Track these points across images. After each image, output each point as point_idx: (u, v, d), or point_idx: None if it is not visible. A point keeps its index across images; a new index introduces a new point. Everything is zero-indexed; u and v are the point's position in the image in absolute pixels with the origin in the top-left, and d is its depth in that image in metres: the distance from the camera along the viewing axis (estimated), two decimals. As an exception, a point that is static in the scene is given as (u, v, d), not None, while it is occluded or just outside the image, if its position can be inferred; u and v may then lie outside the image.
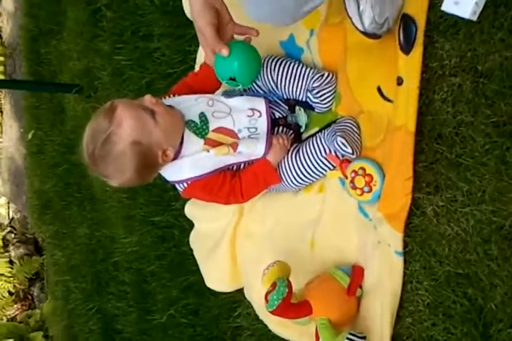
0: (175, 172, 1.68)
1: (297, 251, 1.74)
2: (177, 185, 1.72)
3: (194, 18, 1.45)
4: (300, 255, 1.73)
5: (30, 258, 3.89)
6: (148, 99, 1.59)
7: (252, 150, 1.67)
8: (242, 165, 1.71)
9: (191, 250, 2.15)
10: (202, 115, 1.66)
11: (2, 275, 3.96)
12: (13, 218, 4.20)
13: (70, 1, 2.89)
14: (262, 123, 1.69)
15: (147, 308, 2.46)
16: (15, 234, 4.11)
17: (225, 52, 1.47)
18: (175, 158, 1.64)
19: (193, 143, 1.64)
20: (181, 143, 1.63)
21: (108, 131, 1.53)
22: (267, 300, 1.55)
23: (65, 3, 2.94)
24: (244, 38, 1.57)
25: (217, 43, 1.46)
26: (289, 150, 1.70)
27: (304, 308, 1.57)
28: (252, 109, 1.69)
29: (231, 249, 1.95)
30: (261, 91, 1.77)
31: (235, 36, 1.58)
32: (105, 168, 1.59)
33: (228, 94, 1.71)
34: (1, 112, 4.09)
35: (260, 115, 1.69)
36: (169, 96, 1.73)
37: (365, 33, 1.46)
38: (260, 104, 1.70)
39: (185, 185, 1.69)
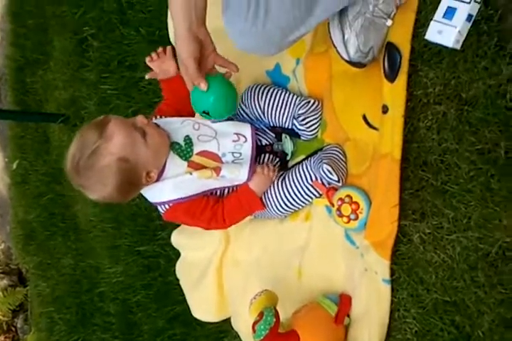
0: (157, 193, 1.68)
1: (284, 280, 1.74)
2: (159, 207, 1.72)
3: (177, 48, 1.46)
4: (287, 284, 1.73)
5: (14, 289, 3.83)
6: (140, 120, 1.60)
7: (235, 175, 1.67)
8: (225, 191, 1.72)
9: (177, 280, 2.14)
10: (187, 138, 1.67)
11: (-15, 307, 3.90)
12: (-4, 249, 4.16)
13: (56, 30, 2.90)
14: (247, 149, 1.70)
15: (133, 339, 2.43)
16: (-2, 265, 4.06)
17: (203, 86, 1.47)
18: (157, 180, 1.65)
19: (176, 165, 1.65)
20: (164, 164, 1.64)
21: (97, 144, 1.54)
22: (254, 330, 1.54)
23: (52, 32, 2.96)
24: (224, 72, 1.57)
25: (197, 77, 1.46)
26: (275, 178, 1.70)
27: (291, 338, 1.56)
28: (238, 134, 1.70)
29: (218, 278, 1.94)
30: (248, 119, 1.78)
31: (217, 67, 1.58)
32: (87, 180, 1.58)
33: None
34: (-14, 142, 4.07)
35: (245, 140, 1.70)
36: (155, 117, 1.75)
37: (350, 62, 1.49)
38: (246, 130, 1.71)
39: (167, 206, 1.69)
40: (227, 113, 1.59)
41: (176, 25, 1.43)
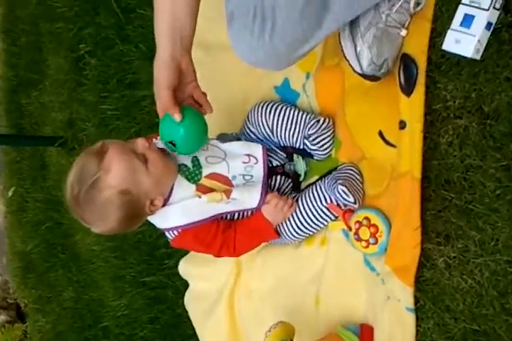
0: (164, 219, 1.68)
1: (301, 310, 1.74)
2: (167, 233, 1.72)
3: (155, 74, 1.47)
4: (304, 314, 1.73)
5: (12, 325, 3.82)
6: (140, 144, 1.59)
7: (246, 198, 1.67)
8: (236, 215, 1.72)
9: (186, 312, 2.13)
10: (195, 159, 1.67)
11: (-18, 345, 3.90)
12: (-7, 282, 4.17)
13: (51, 48, 2.93)
14: (258, 171, 1.70)
15: (141, 378, 2.43)
16: (-5, 300, 4.07)
17: (177, 117, 1.49)
18: (164, 205, 1.64)
19: (184, 188, 1.65)
20: (171, 188, 1.64)
21: (96, 176, 1.53)
22: (270, 365, 1.54)
23: (46, 51, 2.98)
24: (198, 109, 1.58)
25: (172, 107, 1.48)
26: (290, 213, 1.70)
27: (310, 373, 1.56)
28: (249, 155, 1.71)
29: (230, 309, 1.94)
30: (255, 139, 1.79)
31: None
32: (88, 214, 1.59)
33: (224, 138, 1.73)
34: (-21, 168, 4.10)
35: (256, 162, 1.71)
36: None
37: (363, 75, 1.49)
38: (257, 150, 1.72)
39: (176, 233, 1.69)
40: (194, 148, 1.61)
41: (159, 50, 1.46)
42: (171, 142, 1.56)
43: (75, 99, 2.74)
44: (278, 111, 1.75)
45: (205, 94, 1.58)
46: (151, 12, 2.26)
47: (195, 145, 1.61)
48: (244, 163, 1.70)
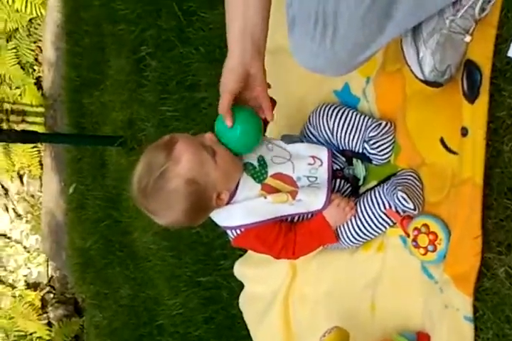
0: (227, 217, 1.68)
1: (356, 315, 1.72)
2: (229, 232, 1.71)
3: (222, 74, 1.49)
4: (359, 319, 1.71)
5: (70, 319, 3.89)
6: (209, 138, 1.59)
7: (312, 199, 1.66)
8: (296, 218, 1.71)
9: (241, 313, 2.13)
10: (261, 158, 1.67)
11: (40, 338, 3.97)
12: (52, 277, 4.24)
13: (113, 49, 2.96)
14: (323, 173, 1.69)
15: (194, 376, 2.44)
16: (54, 294, 4.14)
17: (228, 123, 1.52)
18: (228, 202, 1.64)
19: (249, 187, 1.64)
20: (236, 186, 1.64)
21: (165, 166, 1.53)
22: (324, 370, 1.52)
23: (108, 52, 3.02)
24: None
25: (225, 112, 1.50)
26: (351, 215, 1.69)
27: (365, 379, 1.54)
28: (314, 157, 1.70)
29: (284, 312, 1.93)
30: (316, 141, 1.78)
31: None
32: (155, 205, 1.59)
33: (288, 139, 1.73)
34: (41, 165, 4.17)
35: (321, 164, 1.70)
36: None
37: (425, 82, 1.46)
38: (322, 153, 1.71)
39: (239, 232, 1.68)
40: (243, 151, 1.62)
41: (229, 54, 1.47)
42: (223, 143, 1.58)
43: (135, 100, 2.77)
44: (340, 113, 1.73)
45: (274, 102, 1.60)
46: (211, 15, 2.29)
47: (246, 148, 1.62)
48: (310, 164, 1.69)
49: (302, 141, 1.75)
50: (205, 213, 1.66)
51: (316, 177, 1.68)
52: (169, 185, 1.55)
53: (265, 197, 1.64)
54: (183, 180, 1.55)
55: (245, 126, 1.56)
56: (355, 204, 1.69)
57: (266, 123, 1.67)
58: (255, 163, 1.66)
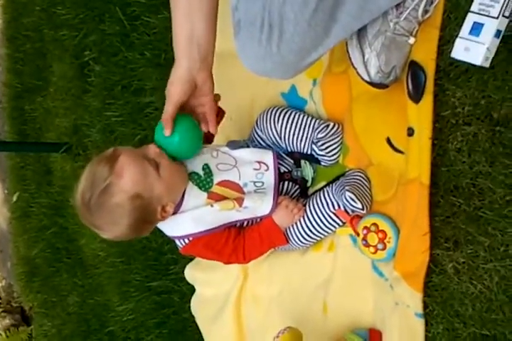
0: (175, 227, 1.67)
1: (309, 315, 1.73)
2: (177, 241, 1.71)
3: (169, 82, 1.49)
4: (312, 319, 1.72)
5: (17, 329, 3.82)
6: (152, 149, 1.58)
7: (258, 205, 1.66)
8: (245, 223, 1.71)
9: (193, 317, 2.13)
10: (206, 167, 1.66)
11: (-13, 348, 3.89)
12: (-3, 286, 4.16)
13: (56, 55, 2.92)
14: (269, 178, 1.69)
15: (147, 382, 2.42)
16: (0, 304, 4.06)
17: (166, 132, 1.53)
18: (175, 212, 1.63)
19: (195, 196, 1.64)
20: (183, 196, 1.63)
21: (107, 181, 1.52)
22: (279, 371, 1.53)
23: (50, 57, 2.98)
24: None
25: (167, 122, 1.51)
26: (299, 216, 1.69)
27: (319, 378, 1.55)
28: (259, 162, 1.70)
29: (236, 314, 1.93)
30: (265, 145, 1.78)
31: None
32: (99, 219, 1.57)
33: (233, 145, 1.72)
34: (-17, 173, 4.09)
35: (267, 168, 1.70)
36: None
37: (371, 83, 1.49)
38: (268, 157, 1.71)
39: (187, 241, 1.68)
40: (182, 158, 1.63)
41: (176, 61, 1.47)
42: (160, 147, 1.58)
43: (79, 105, 2.74)
44: (287, 116, 1.74)
45: (222, 112, 1.62)
46: (155, 19, 2.28)
47: (183, 156, 1.62)
48: (255, 169, 1.69)
49: (248, 146, 1.75)
50: (151, 226, 1.66)
51: (263, 182, 1.69)
52: (113, 200, 1.53)
53: (212, 206, 1.63)
54: (126, 195, 1.54)
55: (184, 135, 1.56)
56: (305, 205, 1.70)
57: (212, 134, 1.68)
58: (200, 172, 1.65)
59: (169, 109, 1.50)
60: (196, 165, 1.65)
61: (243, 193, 1.66)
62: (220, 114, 1.64)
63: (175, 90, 1.48)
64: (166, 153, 1.58)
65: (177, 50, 1.45)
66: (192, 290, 2.14)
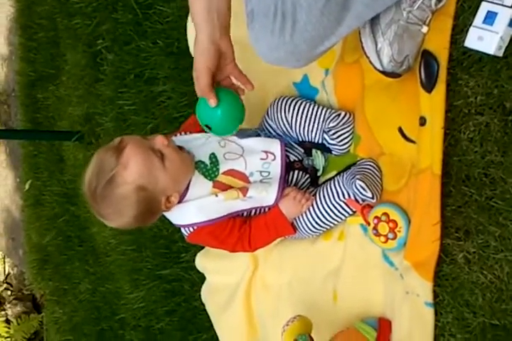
0: (180, 216, 1.68)
1: (319, 304, 1.73)
2: (182, 230, 1.72)
3: (194, 56, 1.47)
4: (322, 308, 1.72)
5: (28, 316, 3.85)
6: (159, 140, 1.58)
7: (263, 195, 1.66)
8: (252, 212, 1.71)
9: (203, 305, 2.13)
10: (212, 156, 1.67)
11: (-2, 335, 3.92)
12: (9, 274, 4.19)
13: (69, 44, 2.92)
14: (276, 167, 1.69)
15: (157, 369, 2.44)
16: (11, 291, 4.08)
17: (212, 103, 1.49)
18: (180, 201, 1.64)
19: (200, 185, 1.64)
20: (188, 184, 1.63)
21: (113, 171, 1.53)
22: (288, 359, 1.53)
23: (64, 46, 2.98)
24: (238, 88, 1.58)
25: (208, 92, 1.48)
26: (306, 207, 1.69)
27: (328, 366, 1.55)
28: (266, 152, 1.70)
29: (247, 303, 1.94)
30: (275, 134, 1.78)
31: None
32: (104, 209, 1.59)
33: (242, 134, 1.72)
34: (-4, 161, 4.11)
35: (274, 158, 1.70)
36: (180, 134, 1.74)
37: (383, 72, 1.48)
38: (275, 147, 1.71)
39: (192, 229, 1.69)
40: (230, 131, 1.60)
41: (198, 34, 1.44)
42: (207, 125, 1.56)
43: (92, 94, 2.74)
44: (298, 105, 1.74)
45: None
46: (168, 8, 2.27)
47: (231, 128, 1.59)
48: (262, 159, 1.69)
49: (258, 135, 1.75)
50: (156, 215, 1.67)
51: (269, 172, 1.69)
52: (118, 191, 1.55)
53: (216, 195, 1.64)
54: (131, 187, 1.55)
55: (228, 105, 1.53)
56: (315, 194, 1.70)
57: None
58: (207, 161, 1.65)
59: (204, 79, 1.46)
60: (203, 154, 1.66)
61: (249, 183, 1.66)
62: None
63: (203, 60, 1.45)
64: (213, 130, 1.56)
65: (197, 21, 1.43)
66: (202, 278, 2.14)
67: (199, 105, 1.55)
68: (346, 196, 1.64)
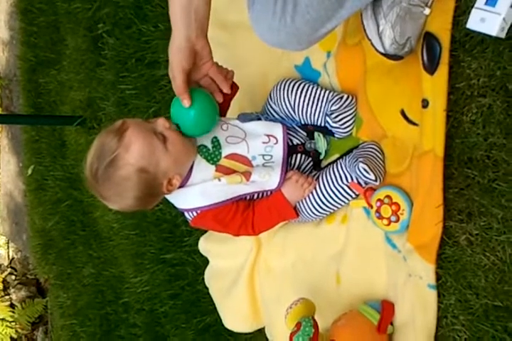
0: (183, 200, 1.68)
1: (322, 287, 1.74)
2: (186, 214, 1.72)
3: (170, 55, 1.47)
4: (325, 291, 1.73)
5: (33, 300, 3.87)
6: (161, 123, 1.58)
7: (266, 179, 1.66)
8: (255, 195, 1.71)
9: (207, 288, 2.15)
10: (215, 139, 1.66)
11: (3, 319, 3.93)
12: (13, 258, 4.20)
13: (69, 28, 2.92)
14: (278, 151, 1.69)
15: (161, 352, 2.45)
16: (15, 276, 4.10)
17: (185, 103, 1.51)
18: (183, 185, 1.64)
19: (203, 169, 1.64)
20: (191, 169, 1.64)
21: (115, 153, 1.53)
22: (292, 341, 1.54)
23: (64, 30, 2.98)
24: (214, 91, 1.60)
25: (183, 92, 1.50)
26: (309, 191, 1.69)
27: (332, 348, 1.56)
28: (269, 135, 1.70)
29: (250, 285, 1.95)
30: (277, 117, 1.77)
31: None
32: (106, 191, 1.59)
33: (244, 118, 1.72)
34: (-2, 146, 4.12)
35: (276, 142, 1.70)
36: None
37: (385, 55, 1.47)
38: (277, 130, 1.71)
39: (195, 213, 1.69)
40: (200, 132, 1.61)
41: (174, 33, 1.45)
42: (177, 124, 1.57)
43: (93, 79, 2.74)
44: (301, 88, 1.74)
45: (227, 72, 1.60)
46: (169, -9, 2.25)
47: (202, 129, 1.61)
48: (264, 143, 1.69)
49: (259, 119, 1.74)
50: (157, 198, 1.67)
51: (272, 156, 1.69)
52: (119, 173, 1.54)
53: (219, 180, 1.64)
54: (133, 169, 1.55)
55: (201, 106, 1.55)
56: (317, 178, 1.70)
57: (227, 104, 1.68)
58: (209, 145, 1.65)
59: (178, 78, 1.48)
60: (205, 138, 1.65)
61: (251, 166, 1.66)
62: (233, 88, 1.64)
63: (177, 59, 1.46)
64: (183, 130, 1.57)
65: (174, 19, 1.43)
66: (206, 262, 2.15)
67: (173, 104, 1.57)
68: (349, 179, 1.64)
